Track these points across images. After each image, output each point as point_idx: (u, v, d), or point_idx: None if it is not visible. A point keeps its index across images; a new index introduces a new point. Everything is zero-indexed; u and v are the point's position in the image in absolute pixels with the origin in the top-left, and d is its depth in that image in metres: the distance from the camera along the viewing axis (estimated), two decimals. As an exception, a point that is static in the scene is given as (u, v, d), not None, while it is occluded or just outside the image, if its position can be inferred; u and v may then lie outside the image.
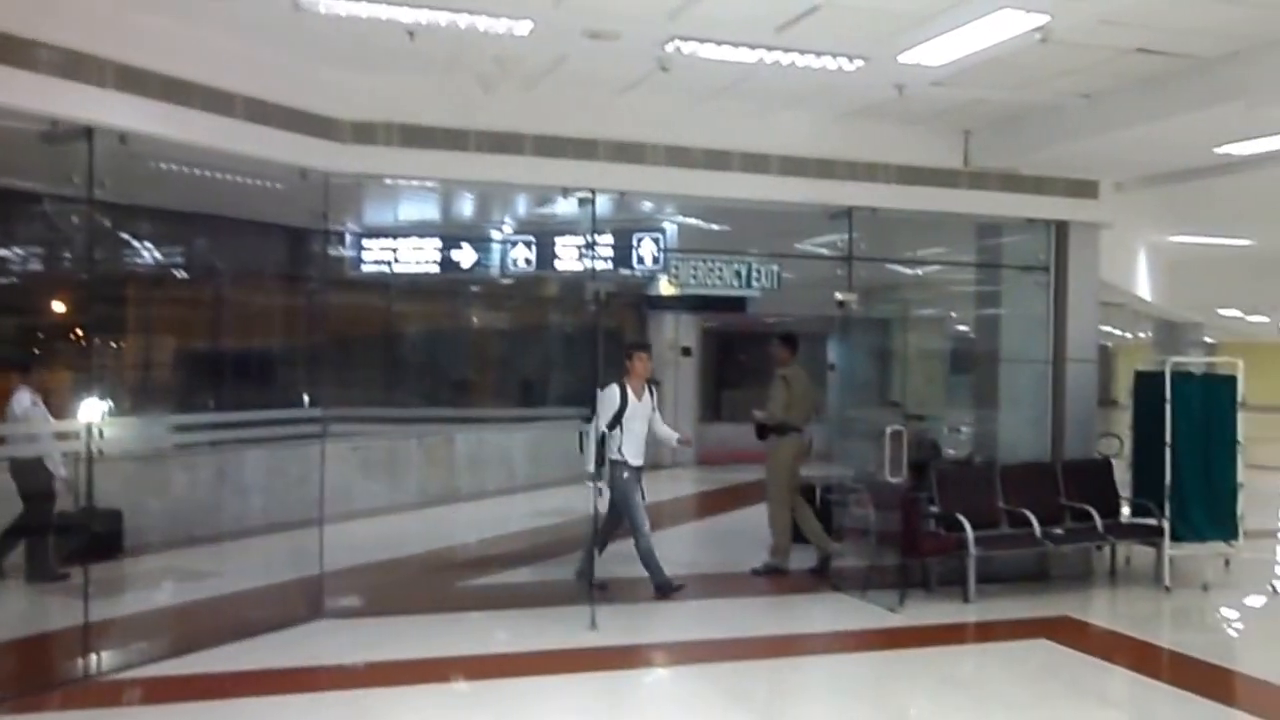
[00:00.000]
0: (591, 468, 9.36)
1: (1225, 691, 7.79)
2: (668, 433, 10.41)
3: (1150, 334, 26.06)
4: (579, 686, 7.50)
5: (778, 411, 10.95)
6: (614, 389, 9.68)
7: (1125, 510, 11.23)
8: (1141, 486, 11.11)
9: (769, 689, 7.68)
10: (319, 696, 7.15)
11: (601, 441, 9.41)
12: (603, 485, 9.52)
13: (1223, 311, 25.62)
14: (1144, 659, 8.64)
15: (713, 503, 16.90)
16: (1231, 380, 11.09)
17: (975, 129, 10.54)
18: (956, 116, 10.12)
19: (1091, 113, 9.33)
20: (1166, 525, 10.62)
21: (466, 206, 13.56)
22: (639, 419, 9.81)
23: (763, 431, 11.08)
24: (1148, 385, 11.28)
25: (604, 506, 9.67)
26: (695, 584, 10.50)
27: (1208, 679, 7.97)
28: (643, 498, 9.78)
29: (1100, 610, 10.46)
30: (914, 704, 7.35)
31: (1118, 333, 24.00)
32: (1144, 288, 17.19)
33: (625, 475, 9.68)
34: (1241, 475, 11.00)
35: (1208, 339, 32.74)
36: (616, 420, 9.60)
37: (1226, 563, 11.26)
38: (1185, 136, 9.35)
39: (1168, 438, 10.60)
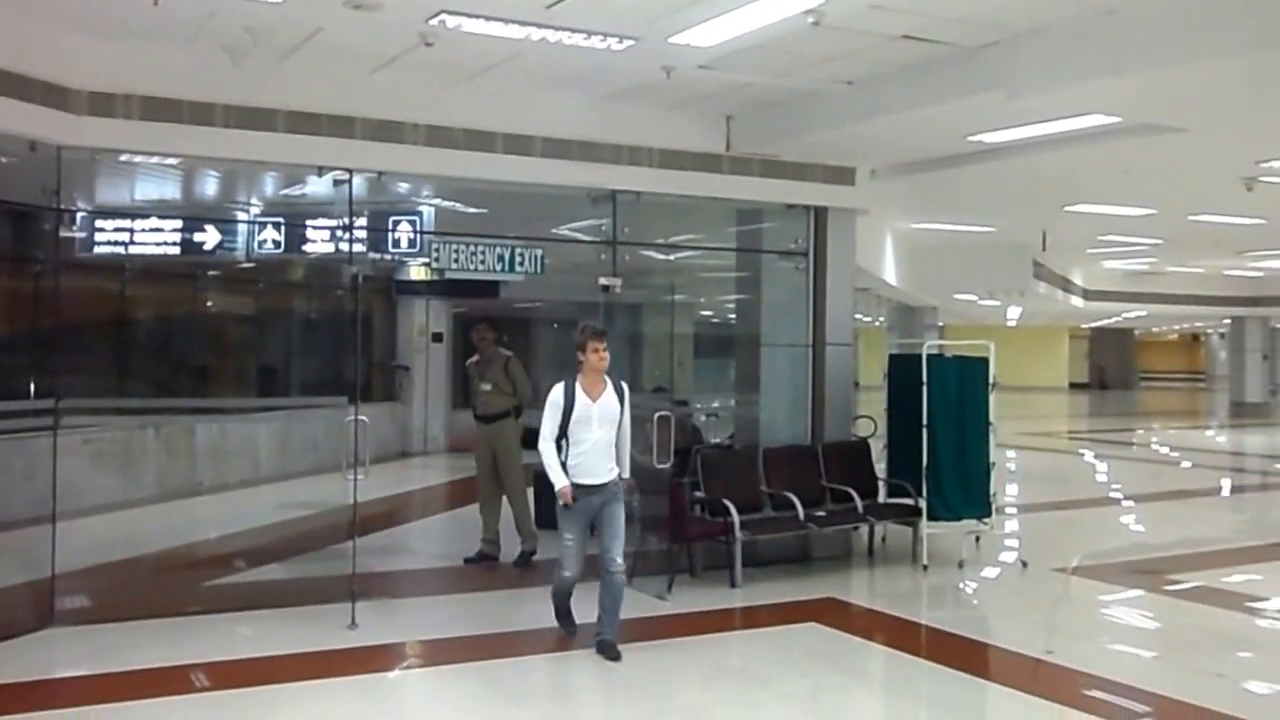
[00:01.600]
0: (560, 481, 7.61)
1: (980, 664, 8.00)
2: (626, 463, 7.99)
3: (884, 318, 27.05)
4: (338, 690, 7.09)
5: (527, 394, 10.80)
6: (558, 389, 7.66)
7: (883, 490, 11.48)
8: (897, 467, 11.37)
9: (540, 684, 7.45)
10: (47, 716, 6.49)
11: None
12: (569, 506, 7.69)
13: (959, 296, 26.80)
14: (905, 637, 8.79)
15: (468, 492, 16.54)
16: (984, 362, 11.44)
17: (738, 114, 10.52)
18: (720, 101, 10.07)
19: (854, 99, 9.41)
20: (923, 505, 10.88)
21: (211, 185, 12.77)
22: (595, 426, 7.63)
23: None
24: (902, 367, 11.56)
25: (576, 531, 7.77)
26: (455, 577, 10.15)
27: (964, 653, 8.19)
28: (617, 524, 7.77)
29: (862, 591, 10.64)
30: (687, 694, 7.22)
31: (859, 317, 24.82)
32: (890, 272, 17.73)
33: (576, 507, 7.70)
34: (993, 455, 11.38)
35: (940, 323, 34.31)
36: (561, 430, 7.65)
37: (977, 539, 11.62)
38: (943, 124, 9.54)
39: (924, 419, 10.86)
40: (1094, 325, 52.40)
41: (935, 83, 8.64)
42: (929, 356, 11.06)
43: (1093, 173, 12.36)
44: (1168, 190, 13.66)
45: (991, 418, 11.30)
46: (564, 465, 7.63)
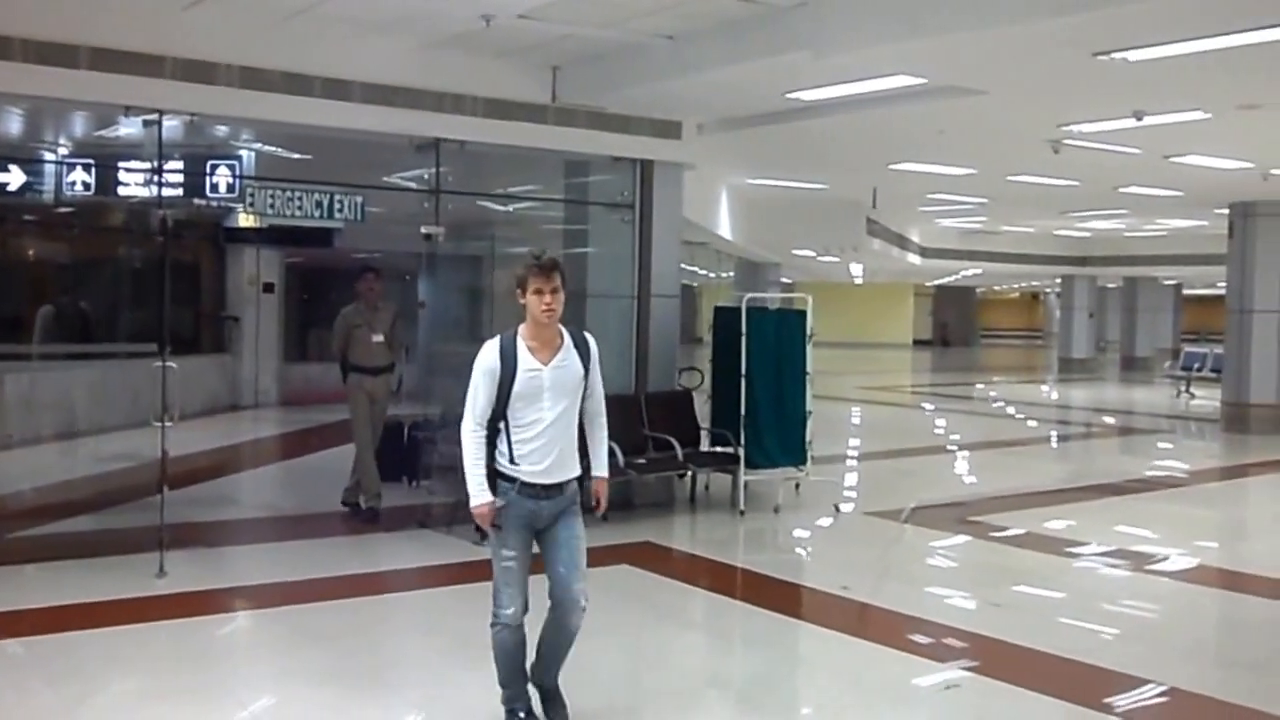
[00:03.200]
0: (478, 496, 5.23)
1: (793, 605, 8.31)
2: (603, 456, 5.66)
3: (733, 273, 27.41)
4: (145, 636, 7.04)
5: (401, 349, 10.73)
6: (491, 348, 5.24)
7: (706, 440, 11.72)
8: (720, 416, 11.63)
9: (348, 628, 7.48)
10: None
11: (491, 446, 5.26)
12: (499, 527, 5.28)
13: (797, 252, 27.28)
14: (720, 579, 9.09)
15: (297, 444, 16.38)
16: (802, 315, 11.74)
17: (564, 65, 10.54)
18: (545, 52, 10.09)
19: (674, 54, 9.52)
20: (742, 453, 11.15)
21: (15, 124, 12.33)
22: (548, 401, 5.22)
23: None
24: (726, 320, 11.79)
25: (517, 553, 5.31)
26: (276, 526, 10.08)
27: (778, 594, 8.49)
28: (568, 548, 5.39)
29: (681, 535, 10.88)
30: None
31: (702, 272, 25.10)
32: (725, 228, 17.98)
33: (514, 510, 5.26)
34: (810, 404, 11.70)
35: (785, 279, 34.84)
36: (497, 408, 5.21)
37: (797, 486, 11.94)
38: (759, 81, 9.71)
39: (743, 369, 11.11)
40: (937, 283, 53.74)
41: (749, 40, 8.80)
42: (749, 310, 11.30)
43: (911, 132, 12.71)
44: (982, 151, 14.13)
45: (809, 368, 11.59)
46: (508, 461, 5.21)
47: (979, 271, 39.88)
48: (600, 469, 5.58)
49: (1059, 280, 40.75)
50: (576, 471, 5.36)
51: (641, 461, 10.90)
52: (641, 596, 8.40)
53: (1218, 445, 18.79)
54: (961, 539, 10.60)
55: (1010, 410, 25.56)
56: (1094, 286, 40.08)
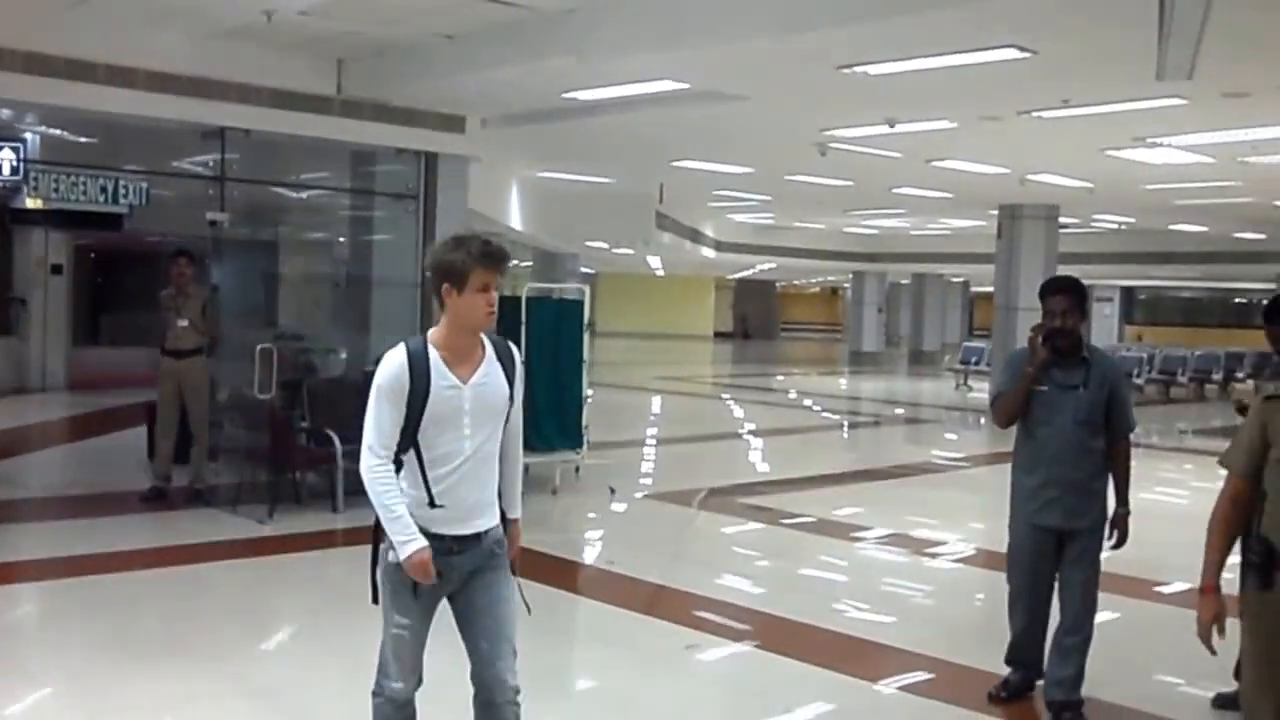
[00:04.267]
0: (409, 543, 3.97)
1: (570, 580, 8.72)
2: (518, 493, 4.35)
3: (532, 263, 27.88)
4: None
5: (218, 333, 10.73)
6: (396, 358, 3.98)
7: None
8: (502, 401, 12.08)
9: (126, 601, 7.68)
10: None
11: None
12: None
13: (591, 244, 27.88)
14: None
15: (85, 427, 16.25)
16: (579, 305, 12.31)
17: (348, 59, 10.88)
18: (330, 45, 10.41)
19: (453, 53, 9.96)
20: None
21: None
22: (470, 427, 4.03)
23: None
24: (509, 310, 12.25)
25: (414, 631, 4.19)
26: (60, 505, 10.15)
27: (556, 571, 8.81)
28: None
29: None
30: (280, 599, 7.70)
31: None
32: (516, 219, 18.45)
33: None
34: (588, 390, 12.27)
35: (587, 269, 35.41)
36: (407, 435, 4.00)
37: (577, 470, 12.47)
38: (534, 82, 10.23)
39: (522, 356, 11.59)
40: (738, 277, 55.05)
41: (520, 44, 9.31)
42: (529, 299, 11.82)
43: (687, 132, 13.34)
44: (756, 152, 14.91)
45: (586, 356, 12.18)
46: (416, 505, 4.03)
47: (773, 266, 41.15)
48: (514, 508, 4.30)
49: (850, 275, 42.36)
50: (497, 518, 4.13)
51: (423, 443, 11.24)
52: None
53: (986, 434, 19.99)
54: (747, 523, 11.03)
55: (805, 401, 26.50)
56: (883, 282, 41.70)
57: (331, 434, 10.43)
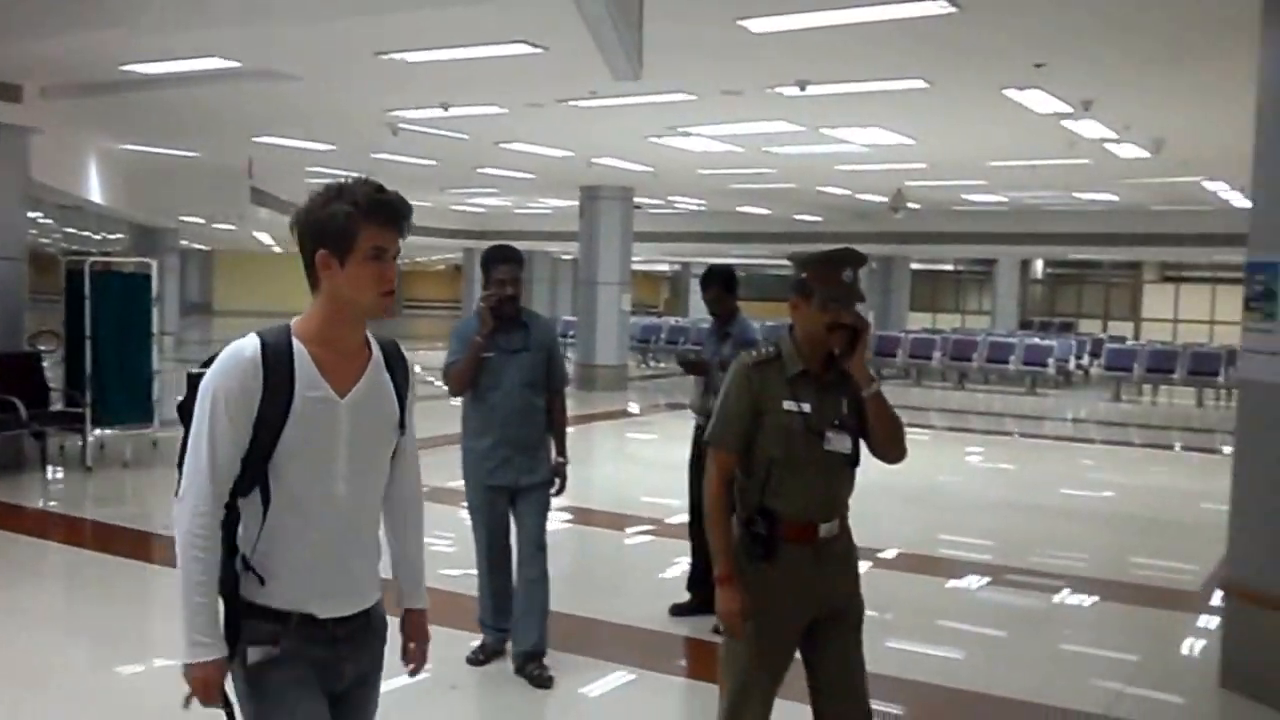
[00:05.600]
0: (200, 648, 2.74)
1: (145, 551, 8.77)
2: (421, 566, 3.20)
3: (123, 235, 26.99)
4: None
5: None
6: (245, 354, 2.77)
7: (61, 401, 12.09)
8: (71, 377, 12.04)
9: None
10: None
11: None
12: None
13: (187, 218, 27.32)
14: (74, 532, 9.61)
15: None
16: (147, 279, 12.39)
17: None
18: None
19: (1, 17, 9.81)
20: (88, 411, 11.66)
21: None
22: (345, 455, 2.83)
23: None
24: (76, 284, 12.17)
25: None
26: None
27: (129, 542, 9.09)
28: None
29: (31, 493, 11.09)
30: None
31: (89, 234, 24.64)
32: (96, 193, 18.03)
33: (288, 668, 2.82)
34: (157, 363, 12.39)
35: (199, 245, 34.47)
36: (254, 465, 2.77)
37: (154, 443, 12.50)
38: (90, 52, 10.16)
39: (88, 330, 11.64)
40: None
41: (71, 12, 9.12)
42: (93, 272, 11.80)
43: (261, 108, 13.44)
44: (332, 129, 15.18)
45: (154, 330, 12.29)
46: (271, 576, 2.80)
47: (386, 243, 41.28)
48: (418, 594, 3.15)
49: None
50: (378, 585, 2.98)
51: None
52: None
53: (573, 402, 21.10)
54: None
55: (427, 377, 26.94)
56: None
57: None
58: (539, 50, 8.96)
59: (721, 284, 6.85)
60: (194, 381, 2.84)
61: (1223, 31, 8.19)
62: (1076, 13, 8.05)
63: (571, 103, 11.69)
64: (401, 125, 13.87)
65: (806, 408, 3.70)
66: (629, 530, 9.73)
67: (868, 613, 3.91)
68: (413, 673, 3.11)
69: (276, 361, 2.74)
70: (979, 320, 41.21)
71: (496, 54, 9.25)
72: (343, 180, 2.83)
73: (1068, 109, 11.53)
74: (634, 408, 19.92)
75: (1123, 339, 29.30)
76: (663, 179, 19.88)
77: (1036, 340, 25.49)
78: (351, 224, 2.75)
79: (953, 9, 7.63)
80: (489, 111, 12.69)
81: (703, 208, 28.86)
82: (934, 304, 47.18)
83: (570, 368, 22.64)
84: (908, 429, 3.87)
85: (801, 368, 3.74)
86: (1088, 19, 8.21)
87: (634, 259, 22.19)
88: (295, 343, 2.79)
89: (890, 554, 8.85)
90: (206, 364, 2.84)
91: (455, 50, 9.29)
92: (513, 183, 21.88)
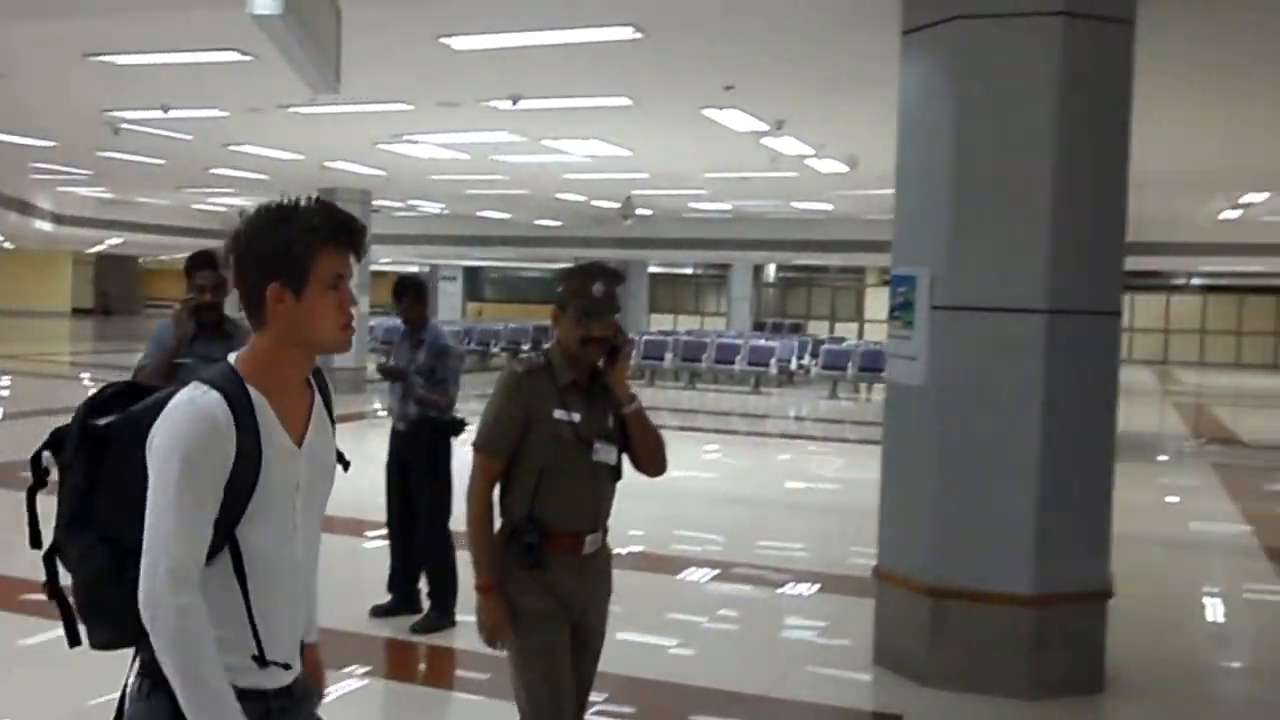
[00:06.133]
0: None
1: None
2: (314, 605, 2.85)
3: None
4: None
5: None
6: (213, 412, 2.37)
7: None
8: None
9: None
10: None
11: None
12: None
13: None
14: None
15: None
16: None
17: None
18: None
19: None
20: None
21: None
22: (301, 515, 2.56)
23: None
24: None
25: None
26: None
27: None
28: None
29: None
30: None
31: None
32: None
33: None
34: None
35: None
36: (224, 530, 2.40)
37: None
38: None
39: None
40: (97, 251, 52.91)
41: None
42: None
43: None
44: (51, 126, 14.91)
45: None
46: (254, 652, 2.46)
47: (122, 241, 40.14)
48: (312, 628, 2.84)
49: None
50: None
51: None
52: None
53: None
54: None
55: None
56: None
57: None
58: (249, 58, 9.22)
59: (413, 294, 7.36)
60: (85, 430, 2.46)
61: (887, 63, 9.03)
62: (757, 40, 8.70)
63: (292, 109, 11.97)
64: (123, 125, 13.83)
65: (576, 417, 3.74)
66: (329, 533, 9.92)
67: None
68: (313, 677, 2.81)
69: (242, 418, 2.38)
70: (717, 322, 42.88)
71: (208, 60, 9.47)
72: (284, 200, 2.47)
73: (764, 127, 12.40)
74: (377, 407, 20.09)
75: (842, 340, 30.78)
76: (397, 183, 20.22)
77: (761, 341, 26.86)
78: (308, 251, 2.42)
79: (638, 35, 8.26)
80: (211, 114, 12.82)
81: (445, 211, 29.23)
82: (675, 306, 48.83)
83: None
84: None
85: (571, 378, 3.77)
86: (768, 47, 8.90)
87: (381, 261, 22.29)
88: (252, 392, 2.43)
89: (623, 551, 9.31)
90: (95, 409, 2.49)
91: (167, 55, 9.49)
92: (250, 184, 21.79)
